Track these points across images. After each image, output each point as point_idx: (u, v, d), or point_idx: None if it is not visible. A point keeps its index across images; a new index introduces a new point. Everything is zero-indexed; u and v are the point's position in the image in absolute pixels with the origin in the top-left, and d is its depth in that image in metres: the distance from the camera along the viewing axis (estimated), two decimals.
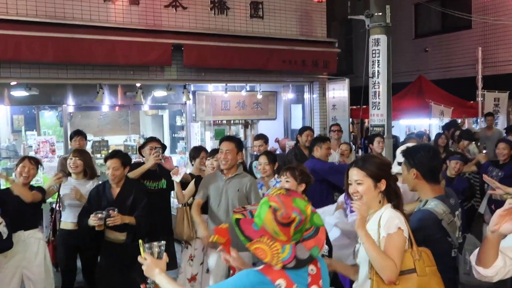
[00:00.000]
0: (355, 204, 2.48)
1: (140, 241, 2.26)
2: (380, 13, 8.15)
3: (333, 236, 3.65)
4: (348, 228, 3.45)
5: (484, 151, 6.95)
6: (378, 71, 8.24)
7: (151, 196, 4.56)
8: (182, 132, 9.32)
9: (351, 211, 3.55)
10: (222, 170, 4.23)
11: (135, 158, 7.34)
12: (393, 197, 2.57)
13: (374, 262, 2.36)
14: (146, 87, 8.16)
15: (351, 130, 11.27)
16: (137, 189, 4.32)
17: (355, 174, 2.57)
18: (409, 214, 2.77)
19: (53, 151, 7.52)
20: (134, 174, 4.68)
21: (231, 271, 3.05)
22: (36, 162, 4.38)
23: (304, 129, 7.09)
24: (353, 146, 9.43)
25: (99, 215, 3.97)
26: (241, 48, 7.95)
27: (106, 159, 4.37)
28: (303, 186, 3.71)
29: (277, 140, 9.32)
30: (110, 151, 9.71)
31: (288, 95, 9.98)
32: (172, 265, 4.82)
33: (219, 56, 7.72)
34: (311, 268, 1.91)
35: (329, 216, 3.84)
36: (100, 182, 4.63)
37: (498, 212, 2.04)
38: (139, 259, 2.17)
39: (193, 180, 4.73)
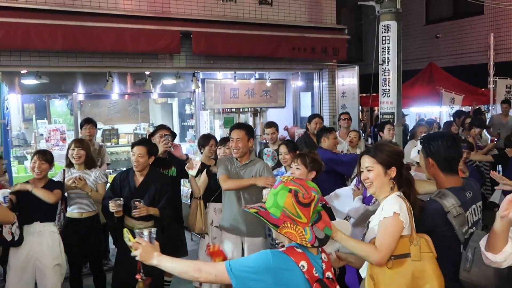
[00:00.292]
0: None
1: (125, 229, 2.27)
2: None
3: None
4: (359, 214, 3.45)
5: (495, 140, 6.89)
6: (388, 58, 8.16)
7: None
8: (191, 121, 9.33)
9: (366, 198, 3.54)
10: (236, 158, 4.23)
11: None
12: (404, 185, 2.57)
13: (358, 253, 2.45)
14: (155, 75, 8.16)
15: (360, 118, 11.21)
16: (162, 180, 4.28)
17: (366, 161, 2.61)
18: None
19: (63, 140, 7.58)
20: None
21: None
22: (45, 156, 4.34)
23: (313, 116, 7.08)
24: (363, 134, 9.40)
25: (118, 202, 3.99)
26: (250, 35, 7.90)
27: (133, 146, 4.35)
28: (313, 174, 3.72)
29: (286, 128, 9.31)
30: (119, 139, 9.85)
31: (297, 82, 9.93)
32: (182, 253, 4.86)
33: (228, 44, 7.68)
34: (324, 256, 2.00)
35: (343, 204, 3.82)
36: (106, 170, 4.63)
37: (508, 198, 2.03)
38: (131, 244, 2.15)
39: (205, 170, 4.73)
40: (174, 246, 4.63)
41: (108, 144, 9.32)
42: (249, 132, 4.22)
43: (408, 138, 7.44)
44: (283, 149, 4.84)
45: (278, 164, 5.39)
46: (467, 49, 13.21)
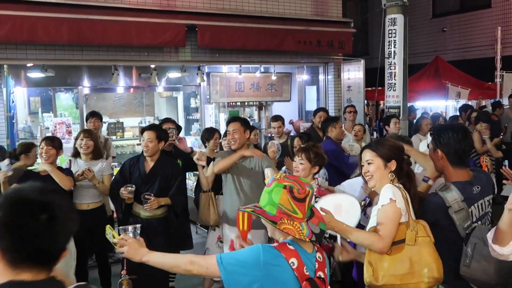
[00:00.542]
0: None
1: (107, 226, 2.21)
2: None
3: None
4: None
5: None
6: (394, 51, 8.12)
7: None
8: (197, 114, 9.33)
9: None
10: (234, 151, 4.25)
11: None
12: (404, 178, 2.61)
13: (361, 242, 2.49)
14: (160, 69, 8.16)
15: (366, 112, 11.18)
16: (172, 166, 4.28)
17: (367, 155, 2.66)
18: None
19: (69, 133, 7.60)
20: None
21: None
22: (53, 142, 4.35)
23: (317, 110, 7.08)
24: (368, 127, 9.37)
25: (129, 189, 3.99)
26: (256, 29, 7.87)
27: (142, 131, 4.36)
28: (316, 169, 3.73)
29: (291, 122, 9.30)
30: (125, 133, 9.88)
31: (303, 76, 9.91)
32: (188, 246, 4.87)
33: (233, 37, 7.66)
34: (318, 255, 1.98)
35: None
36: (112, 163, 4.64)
37: None
38: (116, 241, 2.10)
39: (211, 163, 4.73)
40: (179, 239, 4.65)
41: (114, 137, 9.35)
42: (244, 124, 4.26)
43: (412, 132, 7.42)
44: (297, 142, 4.83)
45: (284, 155, 5.40)
46: (474, 42, 13.12)
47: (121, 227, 2.19)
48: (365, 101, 9.91)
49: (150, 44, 7.09)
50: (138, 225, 2.23)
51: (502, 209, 2.17)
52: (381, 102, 11.90)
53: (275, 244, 1.92)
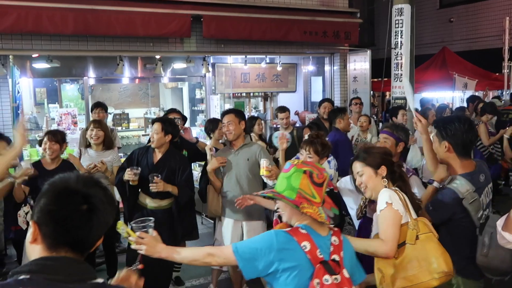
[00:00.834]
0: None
1: (120, 221, 2.19)
2: None
3: None
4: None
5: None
6: (401, 42, 8.05)
7: None
8: (202, 105, 9.32)
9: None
10: (230, 143, 4.24)
11: None
12: (398, 181, 2.63)
13: (365, 250, 2.45)
14: (165, 60, 8.14)
15: (374, 103, 11.12)
16: (180, 159, 4.26)
17: (357, 166, 2.69)
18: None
19: (75, 123, 7.62)
20: None
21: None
22: (55, 137, 4.29)
23: (322, 101, 7.04)
24: (375, 117, 9.33)
25: (135, 170, 3.99)
26: (261, 19, 7.83)
27: (152, 122, 4.37)
28: (324, 160, 3.72)
29: (297, 113, 9.27)
30: (130, 123, 9.89)
31: (308, 67, 9.86)
32: (193, 236, 4.88)
33: (238, 27, 7.62)
34: (334, 239, 2.01)
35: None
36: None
37: None
38: (133, 240, 2.10)
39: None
40: (185, 229, 4.65)
41: (119, 128, 9.37)
42: (239, 115, 4.24)
43: None
44: (307, 132, 4.82)
45: (290, 147, 5.38)
46: (482, 33, 12.99)
47: (134, 224, 2.15)
48: (371, 92, 9.86)
49: (155, 34, 7.06)
50: (152, 219, 2.20)
51: (509, 199, 2.17)
52: (387, 93, 11.83)
53: (288, 229, 1.98)
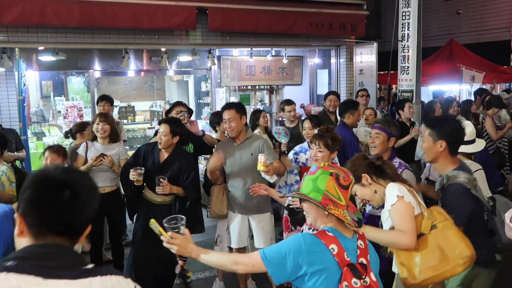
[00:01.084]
0: None
1: (152, 220, 2.20)
2: None
3: None
4: None
5: None
6: (408, 34, 7.98)
7: None
8: (207, 98, 9.30)
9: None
10: (233, 139, 4.21)
11: None
12: (383, 175, 2.63)
13: (386, 242, 2.47)
14: (171, 52, 8.12)
15: (382, 95, 11.05)
16: (186, 159, 4.24)
17: (357, 188, 2.68)
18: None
19: (81, 116, 7.64)
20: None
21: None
22: (58, 153, 4.23)
23: (328, 94, 6.99)
24: (382, 110, 9.27)
25: (139, 171, 4.00)
26: (267, 11, 7.78)
27: (159, 123, 4.38)
28: (335, 154, 3.69)
29: (302, 106, 9.23)
30: (136, 116, 9.89)
31: (314, 59, 9.81)
32: (199, 229, 4.88)
33: (244, 20, 7.58)
34: (360, 242, 2.01)
35: None
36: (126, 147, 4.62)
37: None
38: (165, 240, 2.12)
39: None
40: (191, 222, 4.65)
41: (125, 121, 9.38)
42: (240, 110, 4.17)
43: (423, 116, 7.31)
44: (307, 124, 4.79)
45: (296, 140, 5.36)
46: (489, 25, 12.86)
47: (166, 224, 2.16)
48: (378, 84, 9.80)
49: (161, 27, 7.04)
50: (183, 218, 2.21)
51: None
52: (394, 86, 11.75)
53: (315, 232, 1.98)
